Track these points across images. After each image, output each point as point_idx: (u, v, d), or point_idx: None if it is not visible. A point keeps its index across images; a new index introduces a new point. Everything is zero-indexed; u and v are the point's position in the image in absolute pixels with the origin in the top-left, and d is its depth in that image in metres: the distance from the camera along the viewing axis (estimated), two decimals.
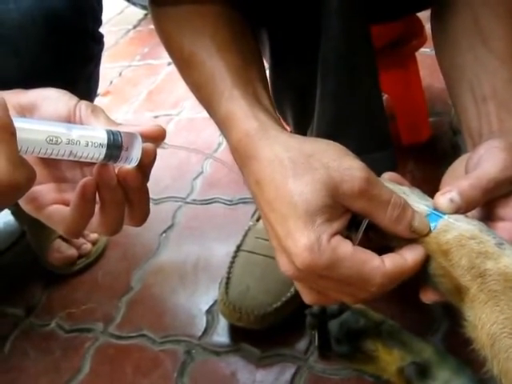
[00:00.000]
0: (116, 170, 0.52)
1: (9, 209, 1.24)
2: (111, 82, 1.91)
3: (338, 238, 0.52)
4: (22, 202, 0.54)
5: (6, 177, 0.42)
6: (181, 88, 1.75)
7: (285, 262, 0.54)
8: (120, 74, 1.96)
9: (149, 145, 0.52)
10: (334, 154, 0.54)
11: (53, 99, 0.55)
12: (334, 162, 0.53)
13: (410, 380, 0.79)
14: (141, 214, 0.56)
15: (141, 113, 1.69)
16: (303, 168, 0.53)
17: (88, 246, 1.20)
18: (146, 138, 0.52)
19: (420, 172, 1.17)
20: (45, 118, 0.54)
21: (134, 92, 1.82)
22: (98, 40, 1.01)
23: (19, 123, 0.45)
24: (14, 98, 0.55)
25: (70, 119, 0.54)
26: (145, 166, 0.53)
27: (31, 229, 1.21)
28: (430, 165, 1.18)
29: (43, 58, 0.88)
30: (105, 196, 0.52)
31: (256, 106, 0.61)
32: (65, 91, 0.57)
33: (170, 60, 2.03)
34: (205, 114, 1.61)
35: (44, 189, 0.54)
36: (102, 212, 0.53)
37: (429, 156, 1.22)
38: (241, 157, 0.59)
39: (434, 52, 1.45)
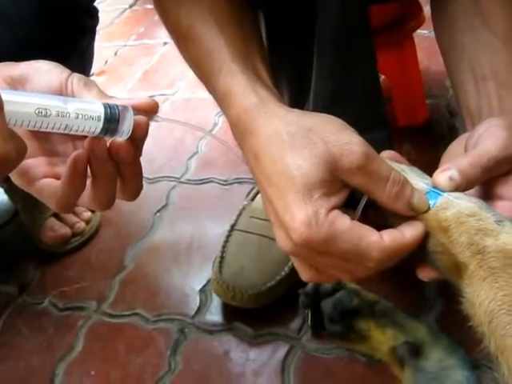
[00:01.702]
0: (108, 144, 0.51)
1: (1, 187, 1.23)
2: (106, 62, 1.89)
3: (336, 212, 0.51)
4: (13, 176, 0.53)
5: None
6: (176, 68, 1.76)
7: (282, 237, 0.54)
8: (115, 54, 1.94)
9: (141, 117, 0.51)
10: (334, 128, 0.53)
11: (44, 71, 0.54)
12: (333, 137, 0.52)
13: (402, 359, 0.79)
14: (133, 188, 0.55)
15: (136, 92, 1.67)
16: (302, 142, 0.52)
17: (81, 225, 1.19)
18: (138, 111, 0.51)
19: (416, 154, 1.17)
20: (36, 90, 0.53)
21: (129, 72, 1.81)
22: (93, 14, 0.99)
23: (7, 95, 0.44)
24: (5, 70, 0.54)
25: (61, 92, 0.53)
26: (138, 140, 0.52)
27: (24, 207, 1.20)
28: (426, 147, 1.18)
29: (37, 31, 0.87)
30: (96, 170, 0.52)
31: (255, 81, 0.60)
32: (56, 63, 0.56)
33: (165, 40, 2.03)
34: (200, 94, 1.62)
35: (35, 162, 0.54)
36: (94, 186, 0.53)
37: (425, 138, 1.22)
38: (240, 132, 0.59)
39: (431, 34, 1.44)
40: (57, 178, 0.53)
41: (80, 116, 0.48)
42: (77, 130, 0.49)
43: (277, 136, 0.54)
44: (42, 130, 0.47)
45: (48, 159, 0.55)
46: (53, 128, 0.48)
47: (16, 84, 0.53)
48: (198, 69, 0.67)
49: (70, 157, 0.50)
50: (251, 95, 0.59)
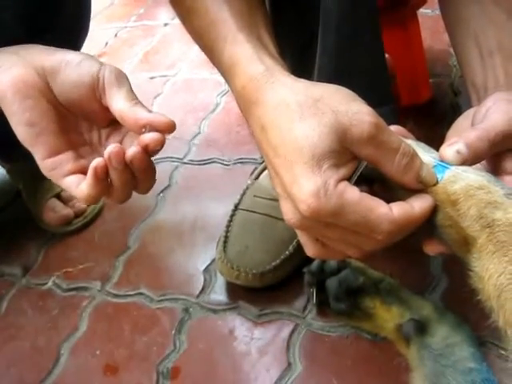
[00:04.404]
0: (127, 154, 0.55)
1: (4, 167, 1.22)
2: (107, 43, 1.88)
3: (345, 183, 0.51)
4: (43, 171, 0.59)
5: None
6: (177, 49, 1.75)
7: (289, 210, 0.53)
8: (116, 35, 1.92)
9: (159, 135, 0.56)
10: (343, 98, 0.53)
11: (75, 64, 0.58)
12: (342, 107, 0.51)
13: (407, 337, 0.79)
14: (146, 187, 0.60)
15: (137, 74, 1.66)
16: (310, 112, 0.51)
17: (82, 204, 1.18)
18: (155, 129, 0.56)
19: (420, 132, 1.16)
20: (67, 83, 0.58)
21: (129, 53, 1.80)
22: None
23: None
24: (38, 59, 0.58)
25: (93, 86, 0.58)
26: (153, 152, 0.56)
27: (26, 188, 1.20)
28: (429, 125, 1.17)
29: None
30: (113, 177, 0.56)
31: (261, 50, 0.60)
32: (87, 55, 0.60)
33: (166, 21, 2.01)
34: (202, 74, 1.61)
35: (63, 158, 0.58)
36: (111, 188, 0.57)
37: (429, 116, 1.22)
38: (245, 102, 0.58)
39: (434, 13, 1.44)
40: (83, 172, 0.58)
41: None
42: None
43: (284, 105, 0.53)
44: None
45: (75, 152, 0.59)
46: None
47: (47, 75, 0.57)
48: (203, 40, 0.66)
49: (90, 165, 0.55)
50: (257, 64, 0.58)
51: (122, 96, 0.57)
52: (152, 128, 0.55)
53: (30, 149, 0.58)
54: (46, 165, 0.58)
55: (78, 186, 0.57)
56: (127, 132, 0.61)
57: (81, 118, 0.61)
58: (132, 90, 0.59)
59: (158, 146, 0.56)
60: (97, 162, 0.54)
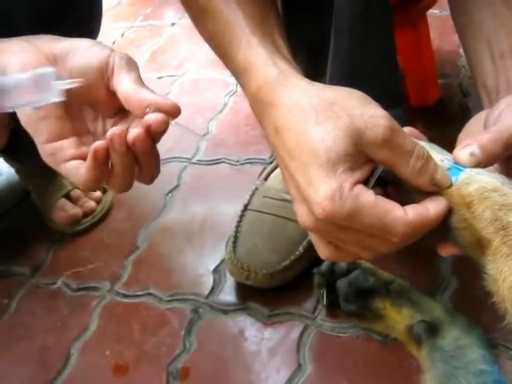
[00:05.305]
0: (128, 135, 0.54)
1: (13, 167, 1.23)
2: (114, 43, 1.88)
3: (360, 186, 0.51)
4: (43, 155, 0.58)
5: None
6: (185, 49, 1.75)
7: (303, 213, 0.53)
8: (122, 35, 1.93)
9: (163, 115, 0.54)
10: (357, 101, 0.53)
11: (84, 50, 0.58)
12: (357, 110, 0.51)
13: (418, 338, 0.79)
14: (149, 174, 0.59)
15: (144, 74, 1.65)
16: (325, 115, 0.51)
17: (91, 203, 1.19)
18: (159, 110, 0.54)
19: (429, 133, 1.15)
20: (76, 67, 0.57)
21: (137, 53, 1.79)
22: None
23: None
24: (47, 46, 0.58)
25: (102, 70, 0.57)
26: (156, 134, 0.55)
27: (35, 188, 1.20)
28: (438, 126, 1.17)
29: None
30: (114, 161, 0.55)
31: (275, 54, 0.60)
32: (96, 41, 0.60)
33: (173, 21, 2.01)
34: (209, 74, 1.61)
35: (64, 144, 0.57)
36: (112, 173, 0.56)
37: (438, 117, 1.22)
38: (260, 105, 0.58)
39: (443, 14, 1.44)
40: (84, 158, 0.56)
41: None
42: None
43: (299, 108, 0.53)
44: None
45: (78, 139, 0.58)
46: None
47: (57, 60, 0.57)
48: (216, 42, 0.66)
49: (91, 147, 0.54)
50: (272, 68, 0.58)
51: (130, 79, 0.57)
52: (156, 109, 0.54)
53: (32, 133, 0.57)
54: (46, 149, 0.57)
55: (78, 172, 0.56)
56: (132, 122, 0.60)
57: (87, 106, 0.61)
58: (140, 77, 0.58)
59: (162, 128, 0.54)
60: (97, 144, 0.53)
